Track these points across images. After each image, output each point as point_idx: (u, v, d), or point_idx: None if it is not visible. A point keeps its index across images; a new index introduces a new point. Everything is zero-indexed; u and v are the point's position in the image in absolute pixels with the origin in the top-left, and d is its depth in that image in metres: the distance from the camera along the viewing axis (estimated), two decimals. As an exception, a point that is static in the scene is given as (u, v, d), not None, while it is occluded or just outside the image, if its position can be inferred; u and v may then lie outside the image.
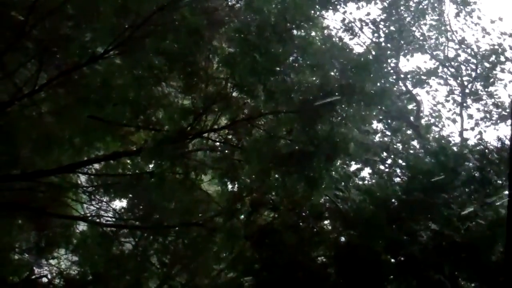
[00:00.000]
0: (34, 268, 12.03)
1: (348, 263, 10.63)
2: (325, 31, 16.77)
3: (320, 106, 9.33)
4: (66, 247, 11.77)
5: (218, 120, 10.38)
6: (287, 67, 9.55)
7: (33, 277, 11.85)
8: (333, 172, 10.00)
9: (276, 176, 10.16)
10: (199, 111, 10.17)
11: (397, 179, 12.15)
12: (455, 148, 12.08)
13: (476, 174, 11.13)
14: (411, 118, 18.72)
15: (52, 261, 12.17)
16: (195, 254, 10.86)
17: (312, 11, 11.31)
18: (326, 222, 11.41)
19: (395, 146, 14.66)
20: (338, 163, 10.90)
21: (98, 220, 11.21)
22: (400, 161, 12.90)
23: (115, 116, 10.11)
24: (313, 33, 11.66)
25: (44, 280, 11.81)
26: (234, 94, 10.14)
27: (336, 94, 9.26)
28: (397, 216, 10.81)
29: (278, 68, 9.37)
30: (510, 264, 3.80)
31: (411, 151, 14.48)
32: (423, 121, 19.60)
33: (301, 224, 11.13)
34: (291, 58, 9.76)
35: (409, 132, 17.81)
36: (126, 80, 10.33)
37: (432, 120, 20.17)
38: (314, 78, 9.81)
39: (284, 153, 9.76)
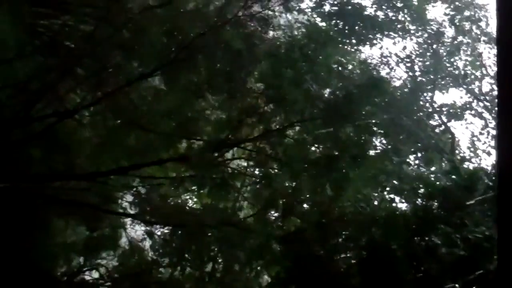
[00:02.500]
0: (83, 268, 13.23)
1: (369, 265, 11.49)
2: (362, 66, 17.68)
3: (342, 111, 10.41)
4: (113, 249, 12.98)
5: (253, 131, 11.55)
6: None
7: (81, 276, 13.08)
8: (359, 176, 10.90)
9: (306, 182, 11.26)
10: (235, 123, 11.37)
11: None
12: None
13: (490, 193, 11.83)
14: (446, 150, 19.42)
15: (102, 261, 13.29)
16: (230, 253, 11.90)
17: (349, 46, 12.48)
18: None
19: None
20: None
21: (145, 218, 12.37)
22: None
23: (161, 127, 11.33)
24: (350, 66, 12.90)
25: (91, 279, 13.01)
26: (267, 107, 11.31)
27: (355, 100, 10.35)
28: (416, 232, 11.64)
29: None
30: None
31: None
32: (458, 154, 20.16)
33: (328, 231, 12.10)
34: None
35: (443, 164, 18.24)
36: (171, 97, 11.61)
37: (468, 153, 20.64)
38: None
39: (312, 158, 10.83)
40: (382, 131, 11.81)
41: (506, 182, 3.81)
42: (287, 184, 11.58)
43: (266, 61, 11.31)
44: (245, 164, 12.28)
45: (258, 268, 12.19)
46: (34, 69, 10.33)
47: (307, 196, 11.65)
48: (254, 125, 11.51)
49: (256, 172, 12.18)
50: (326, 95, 11.13)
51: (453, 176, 12.16)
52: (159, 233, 13.54)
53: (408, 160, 19.11)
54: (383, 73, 20.56)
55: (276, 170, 11.53)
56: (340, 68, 12.16)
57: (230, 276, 12.45)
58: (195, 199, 13.47)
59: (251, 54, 11.10)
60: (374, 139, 11.86)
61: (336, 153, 10.57)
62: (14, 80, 10.27)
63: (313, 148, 11.14)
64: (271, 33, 11.93)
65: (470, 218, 11.48)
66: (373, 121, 11.16)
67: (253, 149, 11.75)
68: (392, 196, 14.53)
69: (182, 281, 13.30)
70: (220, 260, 12.88)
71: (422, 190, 12.76)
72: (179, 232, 11.96)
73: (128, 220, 13.58)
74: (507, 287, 3.70)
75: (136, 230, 13.51)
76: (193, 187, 12.54)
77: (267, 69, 11.21)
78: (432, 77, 20.80)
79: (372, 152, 13.18)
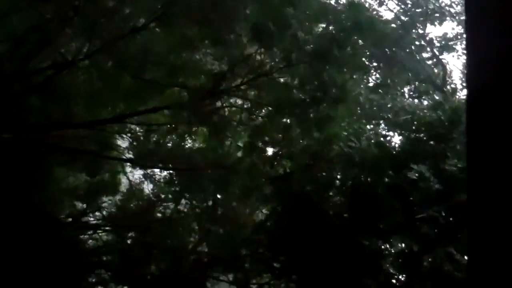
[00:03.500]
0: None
1: (355, 201, 12.20)
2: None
3: (327, 55, 10.93)
4: (113, 193, 13.70)
5: (243, 79, 12.07)
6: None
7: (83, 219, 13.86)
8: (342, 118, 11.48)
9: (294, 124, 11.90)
10: (224, 73, 11.91)
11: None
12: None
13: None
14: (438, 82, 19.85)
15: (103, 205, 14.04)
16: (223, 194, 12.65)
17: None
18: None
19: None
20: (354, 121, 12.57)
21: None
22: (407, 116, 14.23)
23: (153, 76, 11.84)
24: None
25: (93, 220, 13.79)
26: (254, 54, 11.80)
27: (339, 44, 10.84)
28: (402, 164, 12.27)
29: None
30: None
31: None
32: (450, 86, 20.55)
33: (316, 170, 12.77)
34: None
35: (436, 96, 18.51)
36: (163, 47, 12.09)
37: (459, 84, 20.94)
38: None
39: (297, 100, 11.42)
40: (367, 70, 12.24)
41: (475, 103, 3.75)
42: (275, 128, 12.18)
43: (252, 7, 11.72)
44: (235, 110, 12.81)
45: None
46: (31, 23, 10.78)
47: (296, 138, 12.25)
48: (243, 73, 12.00)
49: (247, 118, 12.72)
50: (312, 39, 11.53)
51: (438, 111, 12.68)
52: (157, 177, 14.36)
53: (403, 92, 19.64)
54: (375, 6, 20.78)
55: (265, 115, 12.13)
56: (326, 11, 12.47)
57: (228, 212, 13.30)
58: (189, 145, 14.11)
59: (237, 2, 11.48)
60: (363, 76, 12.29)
61: (320, 94, 11.12)
62: (12, 34, 10.74)
63: (299, 91, 11.66)
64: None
65: (453, 151, 12.08)
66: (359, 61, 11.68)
67: (243, 95, 12.29)
68: (385, 131, 15.20)
69: (181, 219, 14.15)
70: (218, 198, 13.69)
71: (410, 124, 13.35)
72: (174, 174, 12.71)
73: (127, 167, 14.32)
74: (477, 216, 3.67)
75: (134, 174, 14.24)
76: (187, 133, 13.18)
77: (254, 15, 11.63)
78: (424, 8, 21.01)
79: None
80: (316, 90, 11.35)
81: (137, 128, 12.72)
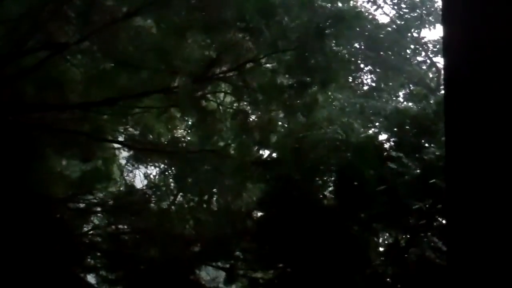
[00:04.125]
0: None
1: (342, 188, 12.43)
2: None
3: (313, 41, 11.27)
4: (107, 180, 14.00)
5: (231, 65, 12.42)
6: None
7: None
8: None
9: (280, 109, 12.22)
10: (213, 58, 12.26)
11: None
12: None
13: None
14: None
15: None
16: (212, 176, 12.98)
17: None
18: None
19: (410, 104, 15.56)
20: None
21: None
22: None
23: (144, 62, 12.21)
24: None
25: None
26: (243, 41, 12.15)
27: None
28: (387, 157, 12.50)
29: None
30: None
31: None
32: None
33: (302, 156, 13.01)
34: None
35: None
36: (154, 36, 12.49)
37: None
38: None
39: (284, 86, 11.75)
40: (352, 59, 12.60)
41: (452, 86, 3.82)
42: (262, 113, 12.51)
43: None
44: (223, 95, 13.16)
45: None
46: (25, 8, 11.19)
47: (282, 124, 12.57)
48: (231, 59, 12.34)
49: (235, 104, 13.07)
50: (297, 28, 11.89)
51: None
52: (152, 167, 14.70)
53: (397, 95, 19.96)
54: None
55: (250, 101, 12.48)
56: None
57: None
58: (180, 130, 14.46)
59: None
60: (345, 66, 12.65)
61: (306, 79, 11.46)
62: (6, 19, 11.14)
63: (285, 76, 12.00)
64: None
65: (439, 143, 12.30)
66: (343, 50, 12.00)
67: (231, 81, 12.62)
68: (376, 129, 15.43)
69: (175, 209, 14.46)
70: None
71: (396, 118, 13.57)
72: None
73: (122, 155, 14.68)
74: (454, 200, 3.70)
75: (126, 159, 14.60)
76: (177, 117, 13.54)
77: (243, 3, 11.99)
78: (418, 11, 21.40)
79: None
80: (301, 75, 11.67)
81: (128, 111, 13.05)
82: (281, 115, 12.54)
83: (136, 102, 12.58)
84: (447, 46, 3.94)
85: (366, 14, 19.28)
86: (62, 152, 13.36)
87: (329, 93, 11.71)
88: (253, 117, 12.61)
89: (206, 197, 14.22)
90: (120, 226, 14.20)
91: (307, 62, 11.53)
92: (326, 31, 11.66)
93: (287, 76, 11.90)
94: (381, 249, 13.52)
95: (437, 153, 11.43)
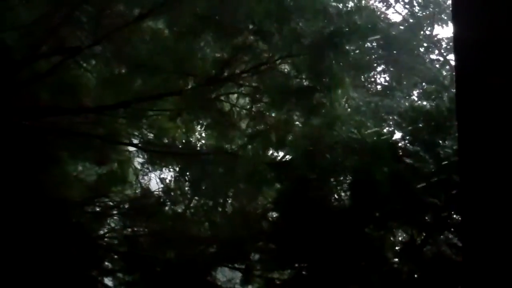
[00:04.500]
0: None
1: (355, 188, 12.38)
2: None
3: (324, 47, 11.26)
4: (122, 184, 14.07)
5: (244, 67, 12.44)
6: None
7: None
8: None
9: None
10: (226, 60, 12.27)
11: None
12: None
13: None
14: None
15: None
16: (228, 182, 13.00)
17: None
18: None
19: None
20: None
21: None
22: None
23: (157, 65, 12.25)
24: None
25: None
26: (256, 43, 12.17)
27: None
28: (404, 152, 12.45)
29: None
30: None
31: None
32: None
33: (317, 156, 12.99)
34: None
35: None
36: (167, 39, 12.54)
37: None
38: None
39: (295, 89, 11.75)
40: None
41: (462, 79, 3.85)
42: (276, 115, 12.52)
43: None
44: (237, 97, 13.18)
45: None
46: (38, 14, 11.29)
47: (296, 126, 12.57)
48: (244, 61, 12.36)
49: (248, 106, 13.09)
50: (311, 33, 11.89)
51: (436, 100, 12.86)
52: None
53: (411, 94, 19.86)
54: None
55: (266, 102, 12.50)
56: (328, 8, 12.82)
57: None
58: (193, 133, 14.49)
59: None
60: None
61: (317, 83, 11.47)
62: (19, 25, 11.24)
63: (298, 79, 12.01)
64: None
65: (453, 139, 12.22)
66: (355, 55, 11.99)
67: (244, 83, 12.64)
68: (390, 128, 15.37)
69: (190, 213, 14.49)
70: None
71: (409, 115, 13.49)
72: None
73: (137, 159, 14.73)
74: (469, 196, 3.69)
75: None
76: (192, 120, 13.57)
77: (256, 8, 12.01)
78: (431, 9, 21.33)
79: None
80: (314, 79, 11.67)
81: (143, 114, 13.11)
82: (296, 116, 12.51)
83: (150, 105, 12.58)
84: (457, 44, 3.95)
85: (378, 13, 19.20)
86: (77, 156, 13.41)
87: (344, 94, 11.64)
88: (268, 118, 12.57)
89: (221, 199, 14.23)
90: (136, 229, 14.25)
91: (320, 66, 11.53)
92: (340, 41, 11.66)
93: (300, 78, 11.91)
94: (396, 247, 13.38)
95: (454, 147, 11.33)
